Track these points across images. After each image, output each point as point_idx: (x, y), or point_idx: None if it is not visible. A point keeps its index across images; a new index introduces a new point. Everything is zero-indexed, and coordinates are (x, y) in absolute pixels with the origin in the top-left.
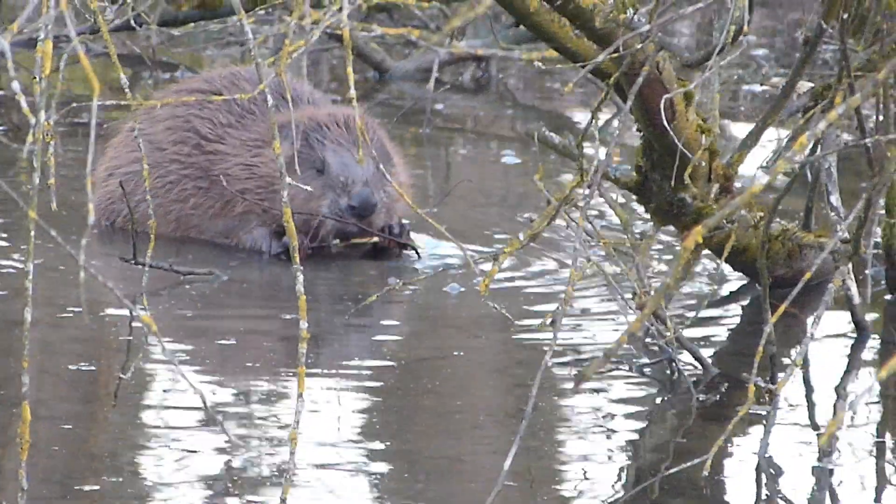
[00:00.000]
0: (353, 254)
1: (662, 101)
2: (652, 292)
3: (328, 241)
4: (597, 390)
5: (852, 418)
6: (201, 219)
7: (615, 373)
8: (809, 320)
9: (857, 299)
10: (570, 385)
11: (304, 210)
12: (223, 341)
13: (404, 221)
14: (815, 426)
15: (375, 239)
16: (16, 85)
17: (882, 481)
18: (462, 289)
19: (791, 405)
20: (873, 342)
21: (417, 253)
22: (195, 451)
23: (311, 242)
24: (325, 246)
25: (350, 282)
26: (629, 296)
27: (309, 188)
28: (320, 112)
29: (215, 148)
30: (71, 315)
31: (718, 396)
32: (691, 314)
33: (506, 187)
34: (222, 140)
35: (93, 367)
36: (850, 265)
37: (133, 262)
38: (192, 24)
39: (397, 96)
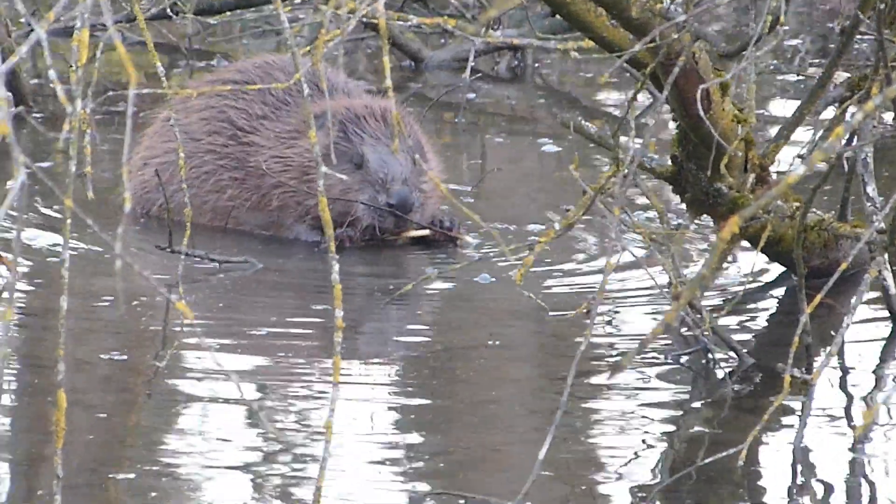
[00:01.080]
0: (400, 246)
1: (699, 92)
2: (687, 282)
3: (361, 232)
4: (632, 381)
5: (888, 409)
6: (238, 210)
7: (650, 363)
8: (845, 311)
9: (893, 290)
10: (605, 375)
11: (341, 202)
12: (259, 330)
13: (451, 217)
14: (850, 417)
15: (426, 232)
16: (52, 73)
17: None
18: (493, 279)
19: (826, 396)
20: None
21: (458, 244)
22: (230, 441)
23: (347, 233)
24: (375, 240)
25: (385, 272)
26: (665, 285)
27: (344, 177)
28: (356, 103)
29: (251, 139)
30: (106, 304)
31: (753, 387)
32: (727, 304)
33: (543, 176)
34: (257, 131)
35: (127, 357)
36: (886, 255)
37: (169, 250)
38: (228, 13)
39: (433, 85)
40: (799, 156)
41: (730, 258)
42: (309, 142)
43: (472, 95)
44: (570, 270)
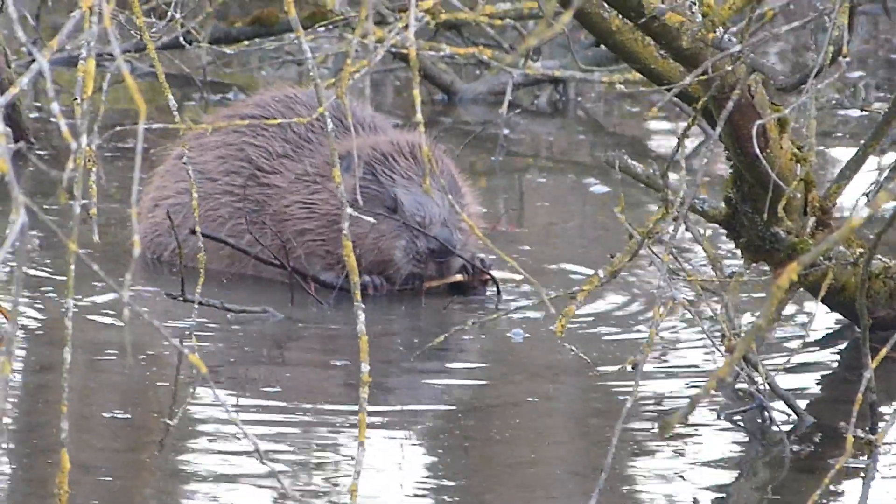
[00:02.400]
0: (431, 294)
1: (754, 128)
2: (742, 334)
3: (401, 284)
4: (682, 441)
5: None
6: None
7: (702, 422)
8: None
9: None
10: (653, 435)
11: (376, 251)
12: (278, 385)
13: (483, 256)
14: None
15: (459, 277)
16: (55, 106)
17: None
18: (527, 335)
19: (892, 457)
20: None
21: (499, 289)
22: None
23: (384, 286)
24: (409, 287)
25: (415, 324)
26: (718, 338)
27: (372, 219)
28: (382, 141)
29: (271, 180)
30: (113, 357)
31: (813, 447)
32: (784, 358)
33: (586, 219)
34: (278, 172)
35: (136, 413)
36: None
37: (181, 298)
38: (246, 42)
39: (467, 121)
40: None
41: (788, 308)
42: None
43: (506, 131)
44: (616, 321)
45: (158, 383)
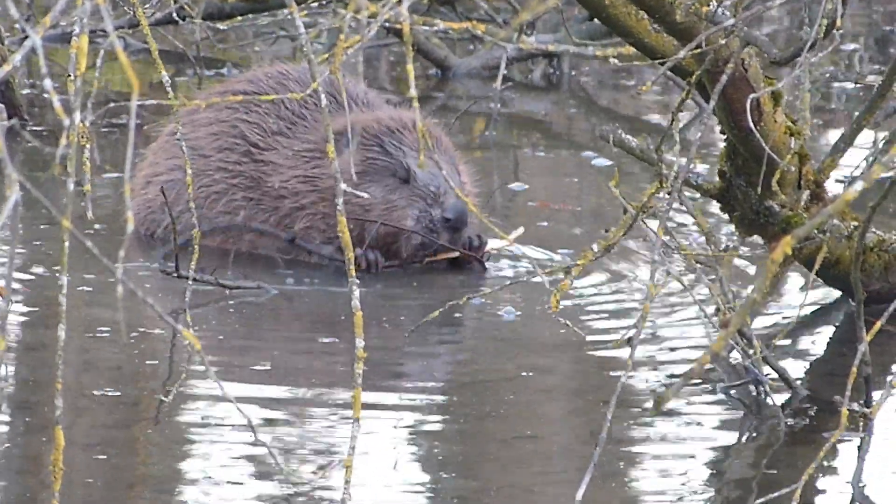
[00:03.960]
0: (426, 268)
1: (748, 102)
2: (737, 308)
3: (411, 257)
4: (677, 414)
5: None
6: (254, 234)
7: (697, 395)
8: None
9: None
10: (648, 409)
11: (386, 221)
12: (272, 362)
13: (482, 235)
14: None
15: (456, 253)
16: (48, 83)
17: None
18: (518, 313)
19: (887, 430)
20: None
21: (483, 266)
22: (241, 483)
23: (394, 258)
24: (401, 263)
25: (411, 299)
26: (712, 311)
27: (365, 195)
28: (384, 116)
29: (266, 157)
30: (107, 334)
31: (808, 421)
32: (779, 332)
33: (583, 193)
34: (273, 149)
35: (129, 390)
36: None
37: (175, 275)
38: (240, 18)
39: (461, 96)
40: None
41: (782, 282)
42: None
43: (492, 105)
44: (610, 296)
45: (152, 361)
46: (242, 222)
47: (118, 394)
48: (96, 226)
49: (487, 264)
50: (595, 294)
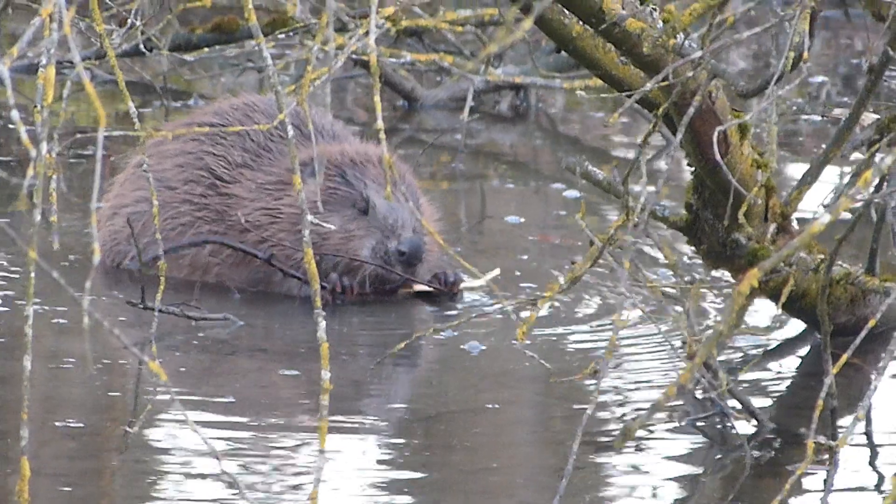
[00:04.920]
0: (394, 302)
1: (715, 134)
2: (703, 340)
3: (365, 287)
4: (643, 446)
5: None
6: (221, 266)
7: (663, 428)
8: (874, 371)
9: None
10: (613, 441)
11: (342, 251)
12: (238, 393)
13: (457, 272)
14: (879, 487)
15: (429, 288)
16: (15, 114)
17: None
18: (483, 347)
19: (853, 463)
20: None
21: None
22: None
23: (351, 288)
24: (374, 293)
25: (378, 331)
26: (678, 344)
27: (332, 227)
28: (350, 148)
29: (231, 190)
30: (72, 366)
31: (774, 453)
32: (745, 365)
33: (548, 223)
34: (237, 182)
35: (94, 421)
36: None
37: (142, 306)
38: (207, 49)
39: (428, 127)
40: (824, 204)
41: (748, 315)
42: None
43: (458, 137)
44: (577, 329)
45: (116, 392)
46: (220, 240)
47: (82, 424)
48: (71, 257)
49: (458, 299)
50: (565, 326)
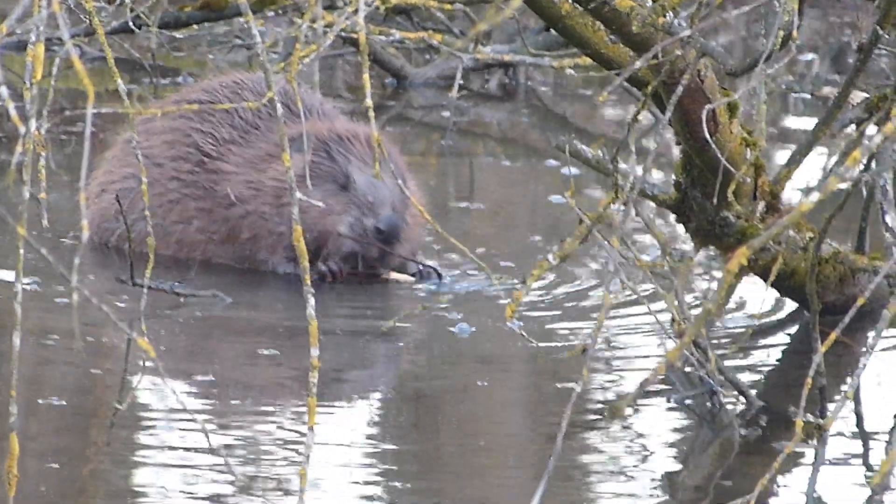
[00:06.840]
0: (381, 283)
1: (704, 113)
2: (692, 319)
3: (341, 261)
4: (632, 425)
5: None
6: (207, 243)
7: (652, 406)
8: (862, 350)
9: None
10: (602, 420)
11: (320, 226)
12: (227, 370)
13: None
14: (867, 464)
15: (411, 279)
16: (4, 91)
17: None
18: (473, 329)
19: (841, 441)
20: None
21: (440, 275)
22: (194, 494)
23: (330, 267)
24: (357, 274)
25: (366, 310)
26: (667, 322)
27: (320, 203)
28: (338, 125)
29: (218, 166)
30: (60, 342)
31: (763, 432)
32: (734, 342)
33: (537, 203)
34: (224, 158)
35: (82, 399)
36: None
37: (130, 283)
38: (196, 27)
39: (417, 106)
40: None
41: (737, 293)
42: (283, 165)
43: (446, 114)
44: (566, 307)
45: (104, 369)
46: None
47: (70, 402)
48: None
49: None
50: (554, 304)
